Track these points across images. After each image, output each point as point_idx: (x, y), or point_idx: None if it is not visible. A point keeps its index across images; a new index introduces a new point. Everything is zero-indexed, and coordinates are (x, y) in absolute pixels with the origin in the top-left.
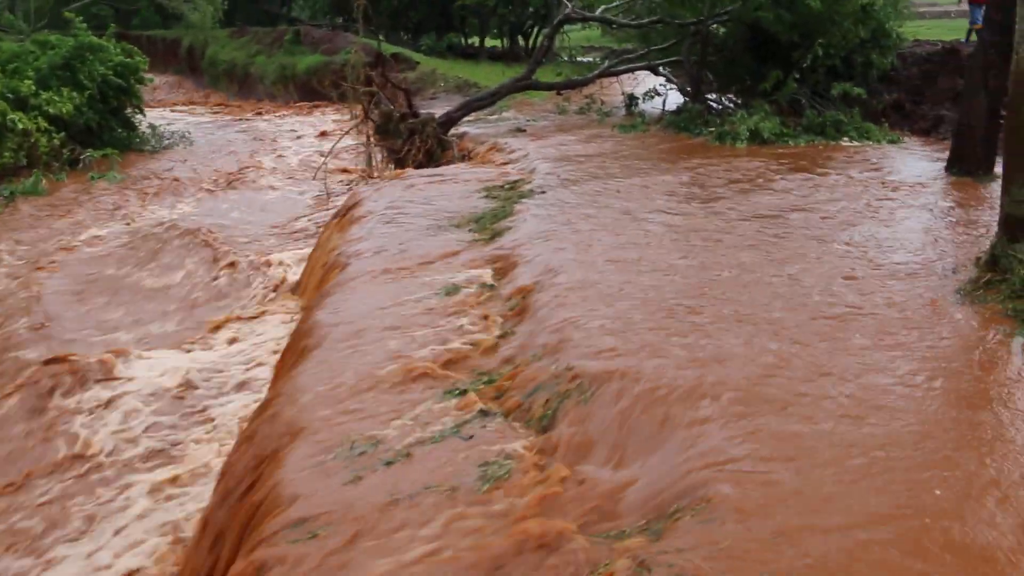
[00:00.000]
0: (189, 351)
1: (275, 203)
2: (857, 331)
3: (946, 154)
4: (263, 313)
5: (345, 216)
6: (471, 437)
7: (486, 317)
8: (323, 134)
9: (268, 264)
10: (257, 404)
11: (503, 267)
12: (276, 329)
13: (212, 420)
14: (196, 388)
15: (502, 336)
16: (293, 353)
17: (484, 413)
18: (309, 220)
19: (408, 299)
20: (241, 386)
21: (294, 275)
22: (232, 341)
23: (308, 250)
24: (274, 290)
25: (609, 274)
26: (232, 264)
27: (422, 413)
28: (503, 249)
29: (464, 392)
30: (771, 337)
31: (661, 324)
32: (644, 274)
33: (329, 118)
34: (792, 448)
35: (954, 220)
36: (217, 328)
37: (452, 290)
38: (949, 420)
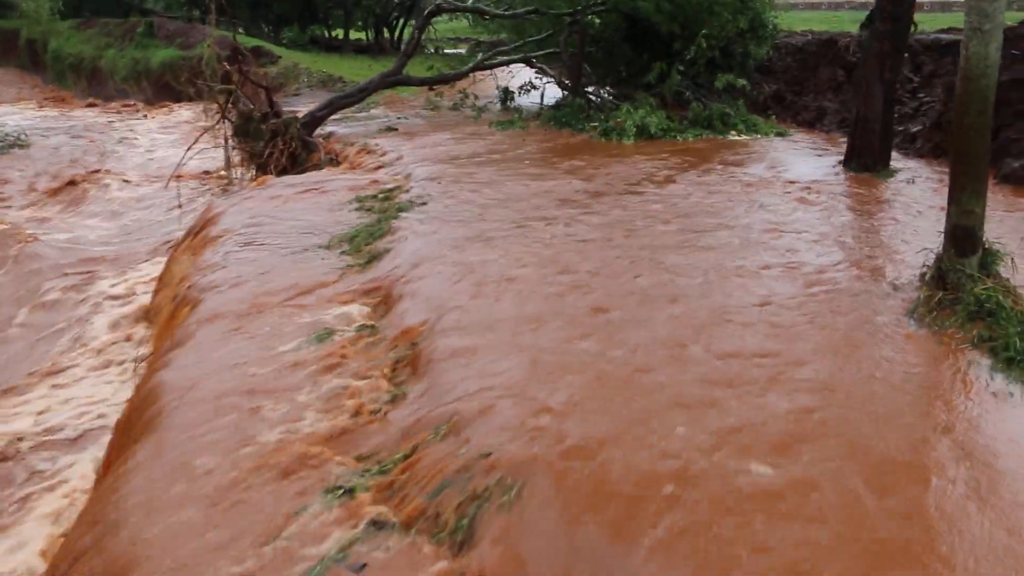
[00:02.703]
0: None
1: (124, 215)
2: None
3: (834, 146)
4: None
5: (198, 235)
6: (363, 567)
7: (368, 375)
8: (179, 135)
9: (112, 288)
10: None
11: (384, 301)
12: (98, 389)
13: None
14: None
15: (391, 400)
16: (127, 435)
17: (377, 525)
18: (162, 235)
19: (271, 350)
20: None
21: (146, 297)
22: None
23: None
24: (114, 328)
25: (511, 309)
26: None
27: (296, 532)
28: (382, 278)
29: (351, 491)
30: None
31: (589, 375)
32: (553, 307)
33: (187, 117)
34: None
35: (872, 224)
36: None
37: (324, 335)
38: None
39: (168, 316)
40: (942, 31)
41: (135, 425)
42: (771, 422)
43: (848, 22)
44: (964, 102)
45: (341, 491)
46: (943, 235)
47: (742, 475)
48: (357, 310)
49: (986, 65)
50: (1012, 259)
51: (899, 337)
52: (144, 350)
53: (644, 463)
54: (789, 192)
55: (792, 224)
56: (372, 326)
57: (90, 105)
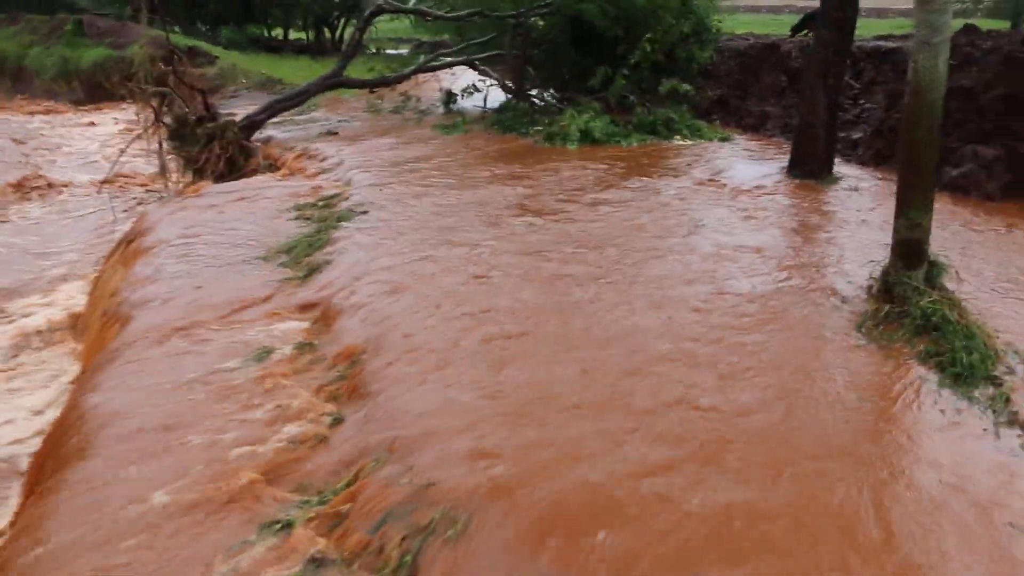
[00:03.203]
0: None
1: (49, 225)
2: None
3: (778, 152)
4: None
5: (131, 246)
6: None
7: (307, 397)
8: (112, 139)
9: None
10: None
11: (324, 317)
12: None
13: None
14: None
15: (332, 425)
16: (46, 467)
17: (317, 563)
18: (93, 245)
19: (205, 371)
20: None
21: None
22: None
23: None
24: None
25: (456, 327)
26: None
27: (229, 574)
28: (322, 292)
29: (289, 525)
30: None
31: (539, 398)
32: (501, 325)
33: (122, 119)
34: None
35: (818, 234)
36: None
37: (262, 354)
38: None
39: (97, 333)
40: (880, 37)
41: (56, 456)
42: (713, 445)
43: (789, 26)
44: (913, 115)
45: (279, 525)
46: (890, 248)
47: (696, 502)
48: (296, 327)
49: (935, 78)
50: (957, 272)
51: (847, 351)
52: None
53: (598, 491)
54: (734, 200)
55: (737, 234)
56: (311, 344)
57: (31, 113)
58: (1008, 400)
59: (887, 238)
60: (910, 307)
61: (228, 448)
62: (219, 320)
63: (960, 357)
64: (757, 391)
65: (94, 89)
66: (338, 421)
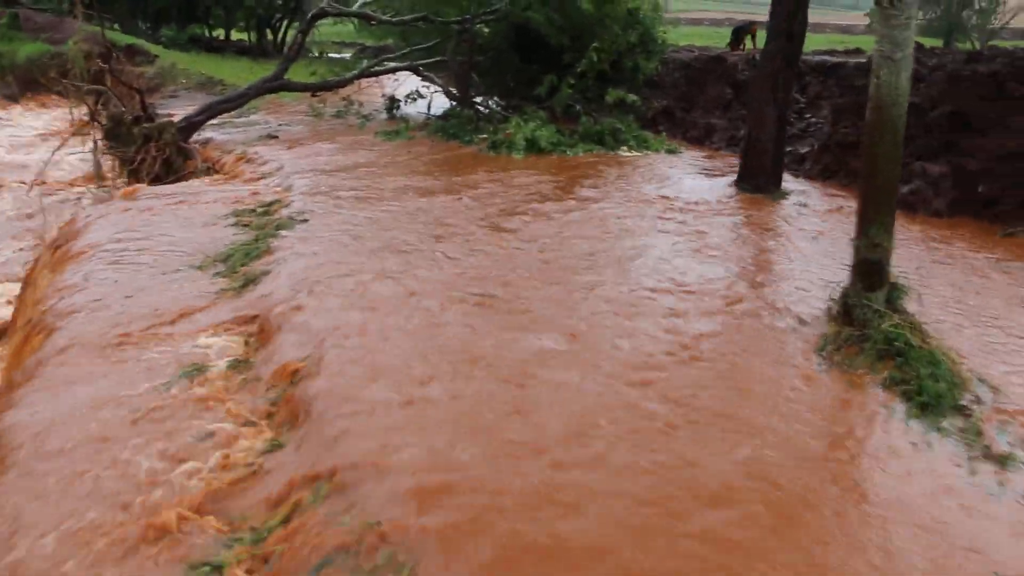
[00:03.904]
0: None
1: None
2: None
3: (724, 164)
4: None
5: (60, 250)
6: None
7: (241, 420)
8: (45, 137)
9: None
10: None
11: (260, 331)
12: None
13: None
14: None
15: (267, 451)
16: None
17: None
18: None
19: (133, 388)
20: None
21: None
22: None
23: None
24: None
25: (401, 345)
26: None
27: None
28: (259, 304)
29: (219, 568)
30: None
31: (487, 427)
32: (444, 343)
33: (57, 117)
34: None
35: (769, 252)
36: None
37: (193, 371)
38: None
39: (20, 344)
40: (824, 52)
41: None
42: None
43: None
44: (875, 131)
45: (208, 568)
46: (850, 268)
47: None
48: (231, 341)
49: (897, 94)
50: (919, 294)
51: (808, 378)
52: None
53: (558, 531)
54: (682, 215)
55: (686, 251)
56: (247, 361)
57: None
58: (980, 432)
59: (840, 256)
60: (871, 330)
61: (154, 476)
62: (149, 331)
63: (927, 385)
64: (714, 428)
65: (30, 85)
66: (275, 447)
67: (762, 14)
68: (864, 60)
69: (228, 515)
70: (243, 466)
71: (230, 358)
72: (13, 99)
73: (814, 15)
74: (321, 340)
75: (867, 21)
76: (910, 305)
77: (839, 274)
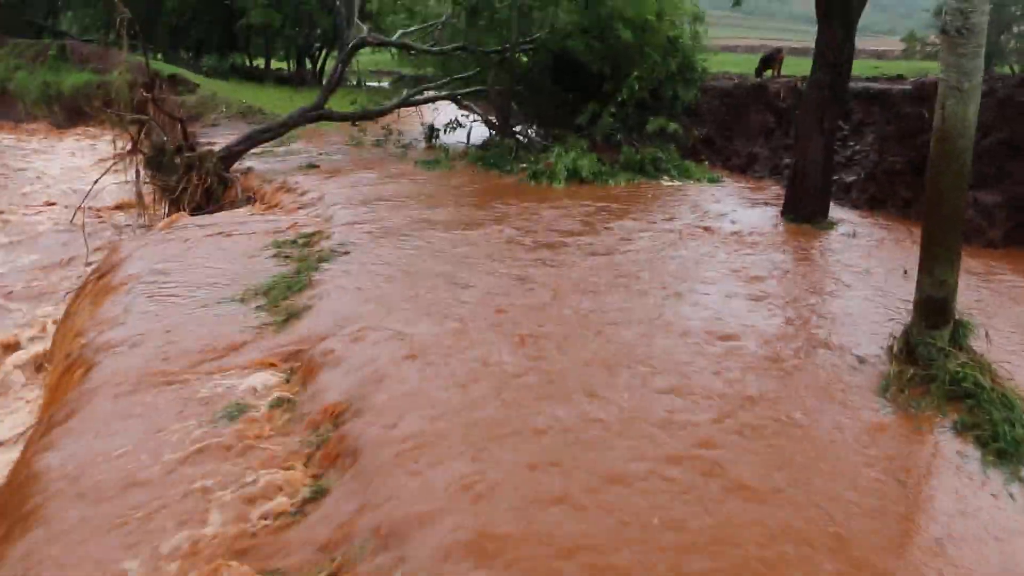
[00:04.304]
0: None
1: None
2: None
3: (768, 194)
4: None
5: (100, 280)
6: None
7: (284, 464)
8: (89, 165)
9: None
10: None
11: (303, 369)
12: None
13: None
14: None
15: (311, 498)
16: None
17: None
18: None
19: (172, 430)
20: None
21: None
22: None
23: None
24: None
25: (451, 387)
26: None
27: None
28: (302, 340)
29: None
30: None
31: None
32: (495, 382)
33: (101, 145)
34: None
35: (822, 286)
36: None
37: (235, 411)
38: None
39: (58, 379)
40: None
41: (2, 523)
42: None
43: None
44: (940, 163)
45: None
46: (912, 305)
47: None
48: (273, 379)
49: (964, 125)
50: (987, 332)
51: (873, 422)
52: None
53: None
54: (730, 246)
55: (736, 284)
56: (290, 399)
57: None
58: None
59: (895, 290)
60: (936, 370)
61: (194, 523)
62: (190, 368)
63: (1002, 431)
64: (773, 472)
65: (75, 114)
66: (319, 493)
67: (795, 40)
68: (909, 87)
69: (270, 568)
70: (285, 513)
71: (273, 397)
72: (60, 127)
73: None
74: (366, 379)
75: (902, 47)
76: (976, 343)
77: (894, 308)
